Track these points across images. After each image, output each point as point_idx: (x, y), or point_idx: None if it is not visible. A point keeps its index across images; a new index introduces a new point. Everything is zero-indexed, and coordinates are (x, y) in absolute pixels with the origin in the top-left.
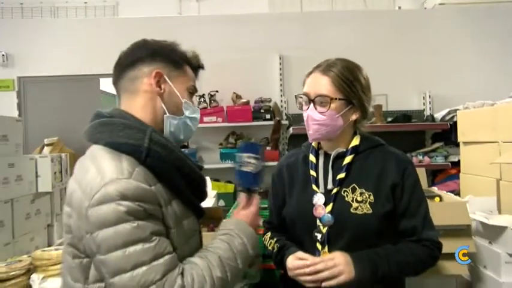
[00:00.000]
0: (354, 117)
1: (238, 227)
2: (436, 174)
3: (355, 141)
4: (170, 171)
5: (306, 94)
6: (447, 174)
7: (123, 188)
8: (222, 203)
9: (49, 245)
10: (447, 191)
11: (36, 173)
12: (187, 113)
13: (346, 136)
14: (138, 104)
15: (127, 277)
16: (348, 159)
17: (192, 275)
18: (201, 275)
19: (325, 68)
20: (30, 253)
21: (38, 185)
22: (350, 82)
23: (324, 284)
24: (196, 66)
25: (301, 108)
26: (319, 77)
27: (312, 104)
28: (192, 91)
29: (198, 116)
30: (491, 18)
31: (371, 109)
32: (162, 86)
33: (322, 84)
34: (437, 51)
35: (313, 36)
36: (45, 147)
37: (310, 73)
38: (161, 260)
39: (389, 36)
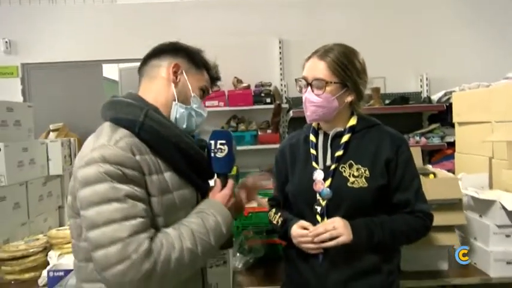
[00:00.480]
0: (349, 99)
1: (213, 207)
2: (433, 155)
3: (353, 121)
4: (163, 145)
5: (304, 78)
6: (443, 154)
7: (106, 153)
8: None
9: (60, 225)
10: None
11: (47, 156)
12: (194, 106)
13: (343, 117)
14: (154, 87)
15: (99, 232)
16: (345, 137)
17: (161, 241)
18: (170, 243)
19: (323, 53)
20: (44, 233)
21: (50, 168)
22: (345, 66)
23: (323, 245)
24: (214, 77)
25: (300, 91)
26: (316, 62)
27: (309, 87)
28: (205, 90)
29: (203, 113)
30: (487, 0)
31: (369, 92)
32: (178, 77)
33: (319, 69)
34: (434, 33)
35: (312, 20)
36: (51, 133)
37: (309, 58)
38: (132, 222)
39: (387, 19)
